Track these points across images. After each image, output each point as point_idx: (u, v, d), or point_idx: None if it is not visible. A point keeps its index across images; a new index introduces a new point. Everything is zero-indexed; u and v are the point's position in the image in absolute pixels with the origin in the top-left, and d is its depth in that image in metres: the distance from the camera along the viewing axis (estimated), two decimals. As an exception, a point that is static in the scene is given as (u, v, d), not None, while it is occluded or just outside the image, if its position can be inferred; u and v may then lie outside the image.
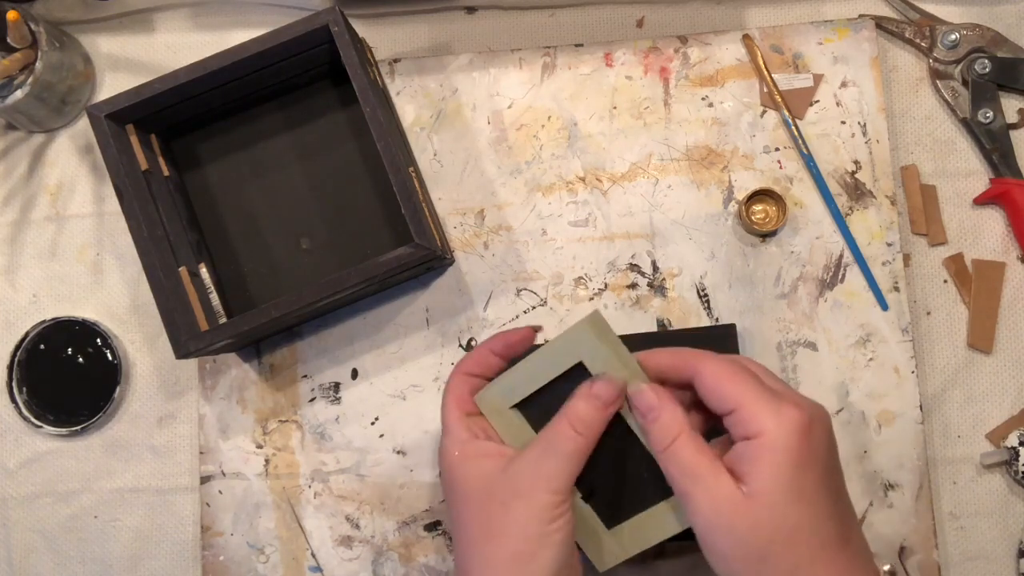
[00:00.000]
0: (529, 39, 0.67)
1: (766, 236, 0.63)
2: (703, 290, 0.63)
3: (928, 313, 0.63)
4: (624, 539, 0.49)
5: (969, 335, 0.62)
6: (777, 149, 0.64)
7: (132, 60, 0.69)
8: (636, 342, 0.50)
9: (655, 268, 0.63)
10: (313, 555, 0.63)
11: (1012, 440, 0.61)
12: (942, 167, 0.64)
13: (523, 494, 0.46)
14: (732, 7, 0.66)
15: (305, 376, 0.65)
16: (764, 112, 0.64)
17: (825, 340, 0.62)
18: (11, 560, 0.66)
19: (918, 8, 0.65)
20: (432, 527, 0.63)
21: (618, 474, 0.49)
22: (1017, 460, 0.60)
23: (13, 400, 0.66)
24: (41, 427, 0.65)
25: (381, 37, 0.68)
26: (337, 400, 0.64)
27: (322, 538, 0.63)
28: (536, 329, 0.52)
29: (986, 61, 0.62)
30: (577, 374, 0.48)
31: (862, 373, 0.61)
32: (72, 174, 0.68)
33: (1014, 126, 0.63)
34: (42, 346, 0.66)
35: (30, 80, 0.63)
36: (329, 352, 0.65)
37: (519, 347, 0.52)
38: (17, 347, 0.66)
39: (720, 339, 0.60)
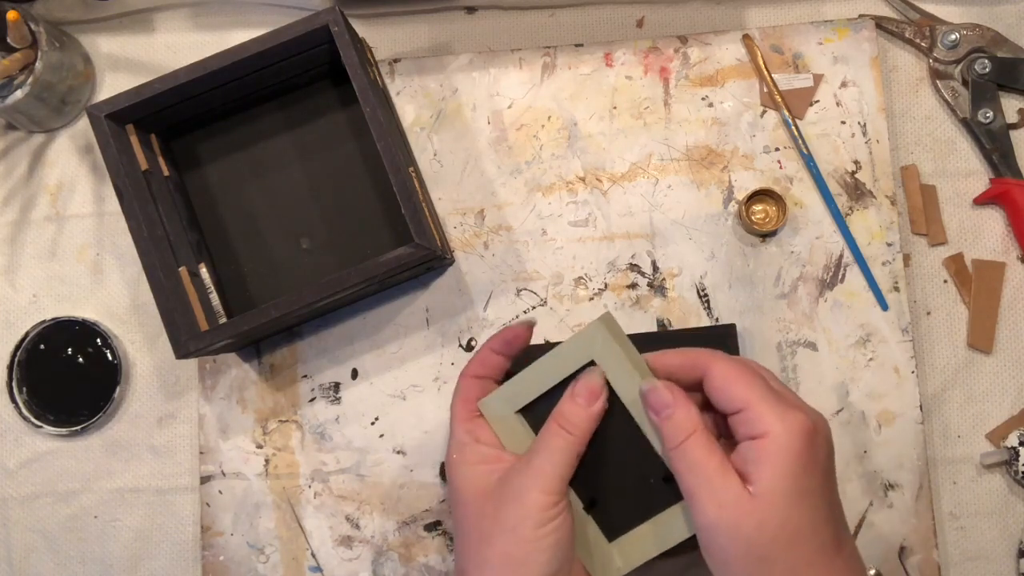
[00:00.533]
0: (529, 39, 0.67)
1: (766, 236, 0.63)
2: (703, 290, 0.63)
3: (928, 313, 0.63)
4: (626, 550, 0.49)
5: (969, 335, 0.62)
6: (777, 149, 0.64)
7: (132, 60, 0.69)
8: (637, 342, 0.50)
9: (655, 268, 0.63)
10: (313, 555, 0.63)
11: (1012, 440, 0.61)
12: (942, 167, 0.64)
13: (516, 496, 0.46)
14: (732, 7, 0.66)
15: (305, 376, 0.65)
16: (764, 112, 0.64)
17: (825, 340, 0.62)
18: (11, 560, 0.66)
19: (918, 8, 0.65)
20: (432, 527, 0.63)
21: (620, 484, 0.49)
22: (1017, 460, 0.60)
23: (13, 400, 0.66)
24: (41, 427, 0.65)
25: (381, 37, 0.68)
26: (337, 400, 0.64)
27: (322, 538, 0.63)
28: (531, 323, 0.53)
29: (986, 61, 0.62)
30: None
31: (862, 373, 0.61)
32: (72, 174, 0.68)
33: (1014, 126, 0.63)
34: (42, 346, 0.66)
35: (30, 80, 0.63)
36: (329, 352, 0.65)
37: (518, 342, 0.52)
38: (17, 347, 0.66)
39: (720, 339, 0.60)
